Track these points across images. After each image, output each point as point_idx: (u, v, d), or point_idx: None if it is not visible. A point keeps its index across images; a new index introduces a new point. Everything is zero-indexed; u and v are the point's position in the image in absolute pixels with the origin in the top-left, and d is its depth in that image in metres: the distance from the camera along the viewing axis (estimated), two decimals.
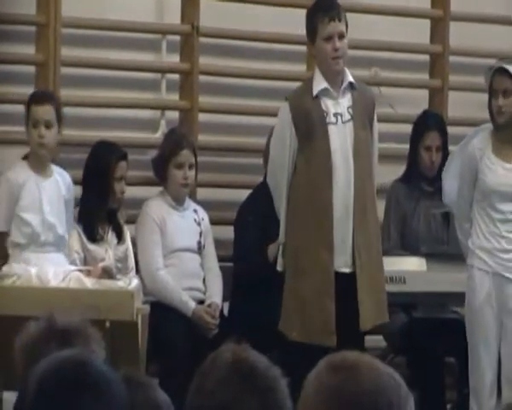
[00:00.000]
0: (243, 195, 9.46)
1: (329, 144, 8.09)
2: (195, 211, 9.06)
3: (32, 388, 2.98)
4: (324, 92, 8.12)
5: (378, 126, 8.46)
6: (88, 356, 3.10)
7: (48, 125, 8.07)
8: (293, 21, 9.82)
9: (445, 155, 9.51)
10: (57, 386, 2.93)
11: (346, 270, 8.10)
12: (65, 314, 4.23)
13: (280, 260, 8.33)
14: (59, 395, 2.92)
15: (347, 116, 8.12)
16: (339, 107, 8.13)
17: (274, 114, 8.91)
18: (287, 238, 8.30)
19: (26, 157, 8.43)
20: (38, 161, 8.17)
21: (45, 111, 8.11)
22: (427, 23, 10.65)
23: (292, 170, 8.23)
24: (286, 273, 8.28)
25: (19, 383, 3.92)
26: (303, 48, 9.99)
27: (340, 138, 8.11)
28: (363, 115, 8.25)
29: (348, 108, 8.14)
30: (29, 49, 9.37)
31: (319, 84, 8.13)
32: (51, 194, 8.16)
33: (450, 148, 9.51)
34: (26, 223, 8.07)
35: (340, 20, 8.14)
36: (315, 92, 8.12)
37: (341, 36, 8.12)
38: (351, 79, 8.21)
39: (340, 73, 8.17)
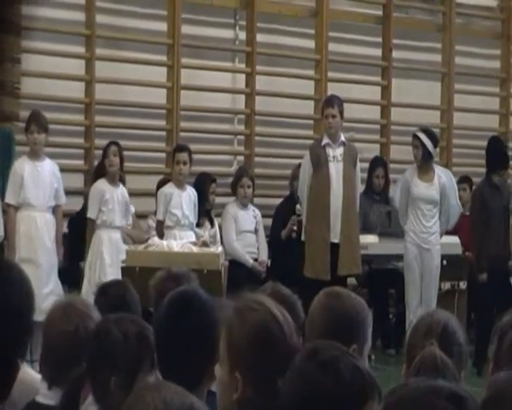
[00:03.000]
0: (278, 201, 9.43)
1: (329, 172, 8.17)
2: (253, 210, 9.12)
3: (163, 308, 2.85)
4: (327, 144, 8.22)
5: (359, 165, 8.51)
6: (195, 289, 3.04)
7: (184, 163, 8.12)
8: (309, 106, 10.23)
9: (387, 180, 9.63)
10: (177, 305, 2.82)
11: (336, 241, 8.15)
12: (178, 266, 4.30)
13: (303, 234, 8.33)
14: (178, 311, 2.79)
15: (340, 159, 8.20)
16: (335, 153, 8.22)
17: (297, 157, 9.10)
18: (306, 222, 8.29)
19: (165, 181, 8.49)
20: (179, 183, 8.14)
21: (183, 156, 8.13)
22: (378, 107, 10.68)
23: (309, 185, 8.25)
24: (305, 241, 8.26)
25: (152, 305, 3.82)
26: (311, 121, 10.23)
27: (336, 170, 8.19)
28: (349, 160, 8.26)
29: (340, 154, 8.22)
30: (161, 123, 9.52)
31: (325, 140, 8.25)
32: (187, 199, 8.12)
33: (391, 176, 9.62)
34: (174, 214, 8.05)
35: (332, 107, 8.19)
36: (322, 144, 8.25)
37: (333, 116, 8.21)
38: (343, 139, 8.31)
39: (334, 136, 8.20)
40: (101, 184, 7.78)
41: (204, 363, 2.69)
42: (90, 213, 7.74)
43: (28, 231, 7.49)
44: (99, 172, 8.00)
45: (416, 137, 8.49)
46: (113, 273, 7.37)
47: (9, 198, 7.59)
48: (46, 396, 3.01)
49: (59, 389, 2.99)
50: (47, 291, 6.92)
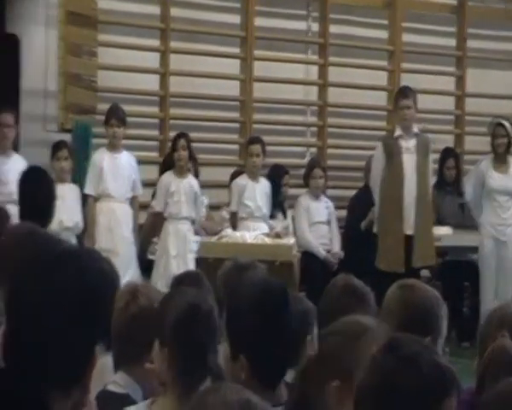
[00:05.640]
0: (350, 193, 9.44)
1: (402, 164, 8.12)
2: (326, 201, 9.09)
3: (244, 298, 2.76)
4: (400, 136, 8.18)
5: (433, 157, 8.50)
6: (270, 280, 2.99)
7: (257, 155, 8.24)
8: (382, 97, 10.22)
9: (458, 171, 9.53)
10: (266, 295, 2.75)
11: (410, 232, 8.06)
12: (246, 257, 4.30)
13: (375, 226, 8.32)
14: (268, 301, 2.70)
15: (413, 150, 8.15)
16: (408, 144, 8.17)
17: (369, 149, 8.98)
18: (378, 214, 8.29)
19: (239, 173, 8.58)
20: (252, 174, 8.26)
21: (256, 148, 8.25)
22: (451, 98, 10.61)
23: (381, 177, 8.22)
24: (378, 233, 8.24)
25: (219, 295, 3.72)
26: (384, 113, 10.18)
27: (409, 161, 8.13)
28: (422, 151, 8.19)
29: (413, 146, 8.17)
30: (234, 115, 9.59)
31: (397, 131, 8.22)
32: (260, 191, 8.25)
33: (466, 167, 9.55)
34: (247, 206, 8.21)
35: (408, 99, 8.14)
36: (395, 136, 8.22)
37: (409, 107, 8.18)
38: (416, 130, 8.25)
39: (408, 127, 8.15)
40: (167, 177, 7.87)
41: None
42: (157, 206, 7.85)
43: (107, 222, 7.64)
44: (167, 164, 8.07)
45: (501, 125, 8.44)
46: (178, 265, 7.45)
47: (89, 189, 7.74)
48: (117, 385, 3.01)
49: (127, 375, 3.00)
50: (125, 281, 7.02)
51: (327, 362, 2.21)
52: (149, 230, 8.03)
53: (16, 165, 7.03)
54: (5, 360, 1.80)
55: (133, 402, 2.90)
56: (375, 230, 8.34)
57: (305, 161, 9.78)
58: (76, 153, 8.00)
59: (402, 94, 8.30)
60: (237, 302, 2.77)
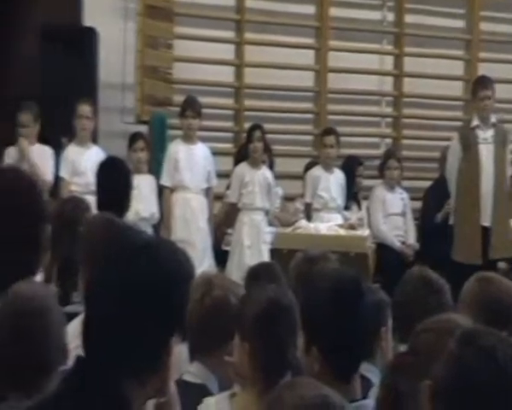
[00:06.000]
0: (426, 184, 9.29)
1: (479, 155, 8.04)
2: (401, 193, 8.99)
3: (317, 288, 2.71)
4: (478, 126, 8.09)
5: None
6: (343, 270, 2.96)
7: (332, 147, 8.27)
8: (458, 87, 10.18)
9: None
10: (340, 286, 2.70)
11: (487, 224, 8.00)
12: (320, 248, 4.29)
13: (451, 218, 8.22)
14: (341, 292, 2.67)
15: (490, 140, 8.07)
16: (486, 135, 8.08)
17: (445, 139, 8.90)
18: (455, 205, 8.16)
19: (313, 164, 8.60)
20: (327, 165, 8.32)
21: (330, 139, 8.29)
22: None
23: (458, 168, 8.10)
24: (454, 224, 8.11)
25: (291, 286, 3.54)
26: (460, 103, 10.10)
27: (486, 152, 8.05)
28: (500, 141, 8.10)
29: (491, 136, 8.08)
30: (308, 106, 9.77)
31: (475, 121, 8.12)
32: (334, 182, 8.28)
33: None
34: (321, 197, 8.20)
35: (487, 89, 8.08)
36: (472, 126, 8.13)
37: (488, 98, 8.11)
38: (494, 120, 8.17)
39: (486, 117, 8.08)
40: (241, 168, 7.94)
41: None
42: (232, 197, 7.94)
43: (183, 213, 7.70)
44: (242, 155, 8.12)
45: None
46: (252, 255, 7.52)
47: (165, 180, 7.82)
48: (193, 375, 3.00)
49: (203, 365, 2.99)
50: (201, 271, 7.09)
51: (419, 360, 2.19)
52: (223, 220, 8.09)
53: (94, 156, 7.12)
54: (84, 348, 1.84)
55: (209, 393, 2.90)
56: (451, 221, 8.26)
57: (380, 151, 9.74)
58: (152, 144, 8.10)
59: (481, 84, 8.20)
60: (310, 294, 2.73)
